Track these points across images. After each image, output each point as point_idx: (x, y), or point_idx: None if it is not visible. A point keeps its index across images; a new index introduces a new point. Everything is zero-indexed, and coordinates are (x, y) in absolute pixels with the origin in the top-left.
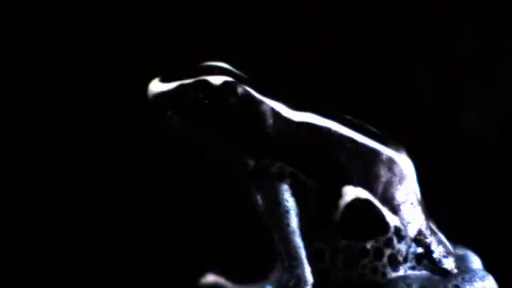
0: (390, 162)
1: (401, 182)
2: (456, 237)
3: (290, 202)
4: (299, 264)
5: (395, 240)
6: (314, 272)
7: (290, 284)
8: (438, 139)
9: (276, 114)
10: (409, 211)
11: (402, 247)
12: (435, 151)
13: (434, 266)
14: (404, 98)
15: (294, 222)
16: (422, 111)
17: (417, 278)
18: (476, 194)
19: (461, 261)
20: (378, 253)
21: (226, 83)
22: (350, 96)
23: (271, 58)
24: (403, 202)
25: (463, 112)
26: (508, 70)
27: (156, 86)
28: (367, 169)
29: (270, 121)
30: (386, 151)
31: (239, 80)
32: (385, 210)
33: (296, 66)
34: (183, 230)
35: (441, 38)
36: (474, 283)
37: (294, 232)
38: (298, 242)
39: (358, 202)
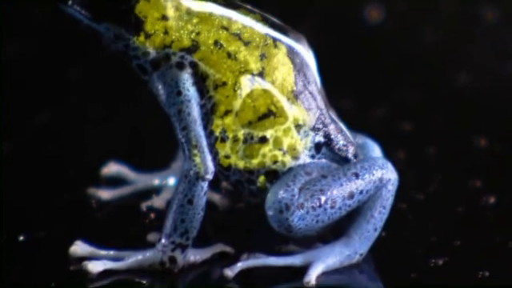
0: (290, 52)
1: (300, 71)
2: (356, 125)
3: (191, 91)
4: (200, 152)
5: (294, 129)
6: (214, 160)
7: (191, 172)
8: (340, 30)
9: (177, 4)
10: (308, 100)
11: (301, 136)
12: (337, 41)
13: (334, 155)
14: None
15: (194, 111)
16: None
17: (316, 166)
18: (378, 84)
19: (361, 149)
20: (277, 142)
21: None
22: None
23: None
24: (303, 92)
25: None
26: None
27: None
28: (267, 58)
29: (172, 10)
30: (286, 41)
31: None
32: (283, 100)
33: None
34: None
35: None
36: (374, 171)
37: (194, 121)
38: (199, 130)
39: (257, 91)
